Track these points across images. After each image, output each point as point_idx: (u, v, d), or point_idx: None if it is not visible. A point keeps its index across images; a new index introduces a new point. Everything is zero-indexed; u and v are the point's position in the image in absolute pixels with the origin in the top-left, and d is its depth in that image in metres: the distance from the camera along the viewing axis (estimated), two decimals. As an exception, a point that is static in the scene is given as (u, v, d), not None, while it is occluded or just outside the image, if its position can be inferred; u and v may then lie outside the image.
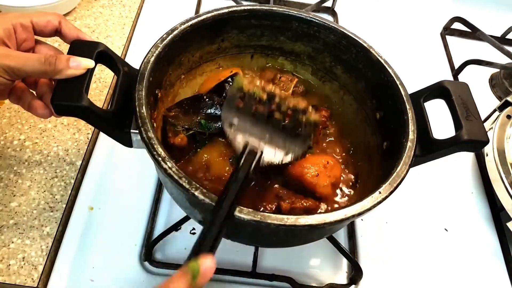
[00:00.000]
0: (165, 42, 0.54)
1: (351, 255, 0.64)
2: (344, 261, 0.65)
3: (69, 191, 0.65)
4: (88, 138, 0.71)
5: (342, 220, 0.44)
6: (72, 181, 0.66)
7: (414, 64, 0.92)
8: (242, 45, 0.67)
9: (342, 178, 0.61)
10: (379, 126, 0.62)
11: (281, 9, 0.63)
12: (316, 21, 0.63)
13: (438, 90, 0.57)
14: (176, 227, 0.63)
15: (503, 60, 0.92)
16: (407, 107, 0.55)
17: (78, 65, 0.47)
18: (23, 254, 0.58)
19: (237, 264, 0.62)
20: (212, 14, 0.59)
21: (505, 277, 0.68)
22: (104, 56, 0.51)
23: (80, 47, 0.50)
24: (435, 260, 0.68)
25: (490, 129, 0.75)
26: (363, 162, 0.63)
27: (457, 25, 1.03)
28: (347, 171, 0.63)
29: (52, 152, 0.69)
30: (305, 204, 0.55)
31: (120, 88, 0.51)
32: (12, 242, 0.59)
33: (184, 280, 0.35)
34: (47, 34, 0.53)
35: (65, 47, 0.52)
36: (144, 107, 0.48)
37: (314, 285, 0.62)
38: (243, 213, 0.43)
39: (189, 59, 0.63)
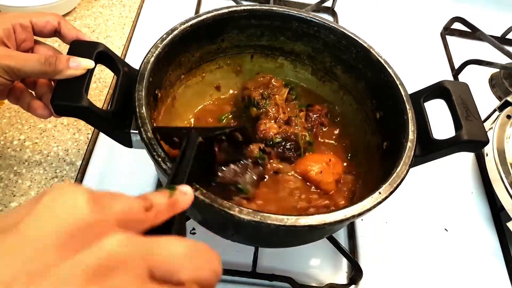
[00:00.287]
0: (165, 42, 0.54)
1: (351, 255, 0.64)
2: (344, 261, 0.65)
3: (69, 191, 0.65)
4: (88, 138, 0.71)
5: (342, 221, 0.44)
6: (72, 181, 0.66)
7: (414, 64, 0.92)
8: (242, 45, 0.67)
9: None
10: (379, 126, 0.62)
11: (281, 9, 0.63)
12: (316, 21, 0.63)
13: (438, 90, 0.57)
14: (176, 227, 0.63)
15: (503, 60, 0.92)
16: (407, 107, 0.55)
17: (78, 65, 0.47)
18: (23, 254, 0.58)
19: (237, 264, 0.62)
20: (212, 14, 0.59)
21: (505, 277, 0.68)
22: (104, 56, 0.51)
23: (79, 47, 0.50)
24: (435, 260, 0.68)
25: (490, 129, 0.75)
26: (363, 162, 0.63)
27: (457, 25, 1.03)
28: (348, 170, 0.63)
29: (52, 152, 0.69)
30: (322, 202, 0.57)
31: (120, 88, 0.51)
32: (12, 242, 0.59)
33: (161, 192, 0.31)
34: (46, 34, 0.53)
35: (64, 47, 0.52)
36: (144, 107, 0.48)
37: (314, 285, 0.62)
38: (243, 214, 0.43)
39: (189, 59, 0.63)
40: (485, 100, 0.92)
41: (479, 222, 0.73)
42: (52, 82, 0.54)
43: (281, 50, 0.69)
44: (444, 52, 1.01)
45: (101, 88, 0.78)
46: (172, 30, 0.56)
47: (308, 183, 0.59)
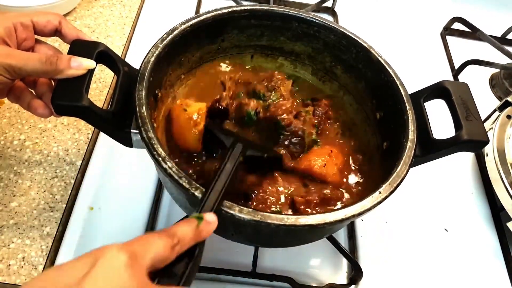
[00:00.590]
0: (165, 42, 0.54)
1: (351, 255, 0.64)
2: (344, 261, 0.65)
3: (69, 191, 0.65)
4: (88, 138, 0.71)
5: (342, 220, 0.44)
6: (72, 181, 0.66)
7: (414, 64, 0.92)
8: (242, 45, 0.67)
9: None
10: (379, 126, 0.62)
11: (281, 9, 0.63)
12: (316, 21, 0.63)
13: (438, 90, 0.57)
14: (176, 227, 0.63)
15: (503, 60, 0.92)
16: (407, 107, 0.55)
17: (79, 65, 0.47)
18: (23, 254, 0.58)
19: (237, 264, 0.62)
20: (212, 14, 0.59)
21: (505, 277, 0.68)
22: (104, 56, 0.51)
23: (80, 47, 0.50)
24: (435, 260, 0.68)
25: (490, 129, 0.75)
26: (363, 162, 0.63)
27: (457, 25, 1.03)
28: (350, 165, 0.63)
29: (52, 152, 0.69)
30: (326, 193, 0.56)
31: (120, 88, 0.51)
32: (12, 242, 0.59)
33: (189, 223, 0.37)
34: (47, 33, 0.53)
35: (65, 47, 0.52)
36: (144, 107, 0.48)
37: (314, 285, 0.62)
38: (243, 213, 0.43)
39: (189, 59, 0.63)
40: (485, 100, 0.92)
41: (479, 222, 0.73)
42: (52, 82, 0.54)
43: (281, 50, 0.69)
44: (444, 52, 1.01)
45: (101, 88, 0.78)
46: (172, 30, 0.56)
47: (310, 179, 0.59)
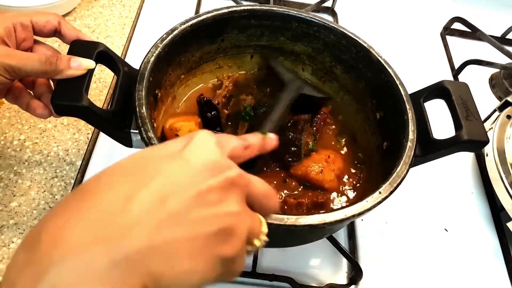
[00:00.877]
0: (165, 42, 0.54)
1: (351, 255, 0.64)
2: (344, 261, 0.65)
3: (69, 191, 0.65)
4: (88, 138, 0.71)
5: (342, 220, 0.44)
6: (72, 181, 0.66)
7: (414, 64, 0.92)
8: (242, 45, 0.67)
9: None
10: (379, 126, 0.62)
11: (281, 9, 0.63)
12: (316, 21, 0.63)
13: (438, 90, 0.57)
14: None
15: (503, 60, 0.92)
16: (407, 107, 0.55)
17: (79, 65, 0.47)
18: (23, 254, 0.58)
19: (237, 264, 0.62)
20: (212, 14, 0.59)
21: (505, 277, 0.68)
22: (104, 56, 0.51)
23: (80, 47, 0.50)
24: (435, 260, 0.68)
25: (490, 129, 0.75)
26: (363, 162, 0.63)
27: (457, 25, 1.03)
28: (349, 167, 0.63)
29: (52, 152, 0.69)
30: (316, 199, 0.56)
31: (120, 88, 0.51)
32: (12, 242, 0.59)
33: (256, 135, 0.42)
34: (46, 34, 0.53)
35: (64, 47, 0.52)
36: (144, 107, 0.48)
37: (314, 285, 0.62)
38: (243, 213, 0.43)
39: (189, 59, 0.63)
40: (485, 100, 0.92)
41: (479, 222, 0.73)
42: (51, 82, 0.54)
43: (281, 50, 0.69)
44: (444, 52, 1.01)
45: (101, 88, 0.78)
46: (172, 30, 0.56)
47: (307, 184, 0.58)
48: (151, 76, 0.51)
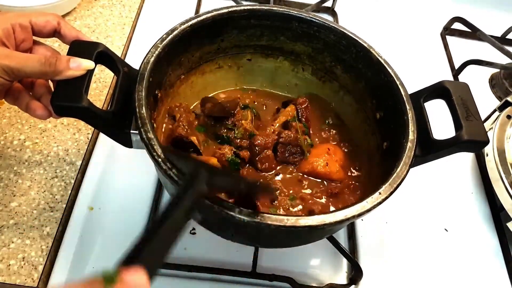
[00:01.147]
0: (165, 42, 0.54)
1: (351, 255, 0.64)
2: (344, 261, 0.65)
3: (69, 191, 0.65)
4: (88, 138, 0.71)
5: (342, 221, 0.44)
6: (72, 181, 0.66)
7: (414, 64, 0.92)
8: (242, 45, 0.67)
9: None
10: (379, 126, 0.62)
11: (281, 9, 0.63)
12: (316, 21, 0.63)
13: (438, 90, 0.57)
14: (176, 227, 0.63)
15: (503, 60, 0.92)
16: (407, 107, 0.55)
17: (79, 66, 0.47)
18: (23, 254, 0.58)
19: (237, 264, 0.62)
20: (212, 14, 0.59)
21: (505, 277, 0.68)
22: (104, 56, 0.51)
23: (80, 47, 0.50)
24: (435, 260, 0.68)
25: (490, 129, 0.75)
26: (363, 162, 0.63)
27: (457, 25, 1.03)
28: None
29: (52, 152, 0.69)
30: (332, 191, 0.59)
31: (120, 88, 0.51)
32: (12, 242, 0.59)
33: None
34: (45, 34, 0.53)
35: (64, 47, 0.52)
36: (144, 108, 0.48)
37: (314, 285, 0.62)
38: (243, 214, 0.43)
39: (189, 59, 0.63)
40: (485, 100, 0.92)
41: (479, 222, 0.73)
42: (51, 83, 0.54)
43: (281, 50, 0.69)
44: (444, 52, 1.01)
45: (101, 88, 0.78)
46: (172, 30, 0.56)
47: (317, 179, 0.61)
48: (151, 77, 0.51)
